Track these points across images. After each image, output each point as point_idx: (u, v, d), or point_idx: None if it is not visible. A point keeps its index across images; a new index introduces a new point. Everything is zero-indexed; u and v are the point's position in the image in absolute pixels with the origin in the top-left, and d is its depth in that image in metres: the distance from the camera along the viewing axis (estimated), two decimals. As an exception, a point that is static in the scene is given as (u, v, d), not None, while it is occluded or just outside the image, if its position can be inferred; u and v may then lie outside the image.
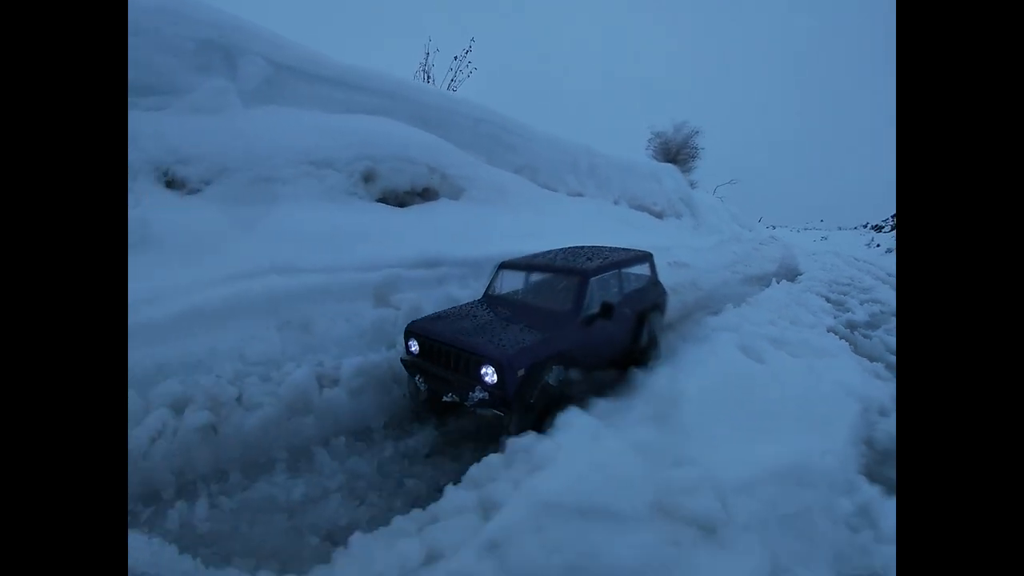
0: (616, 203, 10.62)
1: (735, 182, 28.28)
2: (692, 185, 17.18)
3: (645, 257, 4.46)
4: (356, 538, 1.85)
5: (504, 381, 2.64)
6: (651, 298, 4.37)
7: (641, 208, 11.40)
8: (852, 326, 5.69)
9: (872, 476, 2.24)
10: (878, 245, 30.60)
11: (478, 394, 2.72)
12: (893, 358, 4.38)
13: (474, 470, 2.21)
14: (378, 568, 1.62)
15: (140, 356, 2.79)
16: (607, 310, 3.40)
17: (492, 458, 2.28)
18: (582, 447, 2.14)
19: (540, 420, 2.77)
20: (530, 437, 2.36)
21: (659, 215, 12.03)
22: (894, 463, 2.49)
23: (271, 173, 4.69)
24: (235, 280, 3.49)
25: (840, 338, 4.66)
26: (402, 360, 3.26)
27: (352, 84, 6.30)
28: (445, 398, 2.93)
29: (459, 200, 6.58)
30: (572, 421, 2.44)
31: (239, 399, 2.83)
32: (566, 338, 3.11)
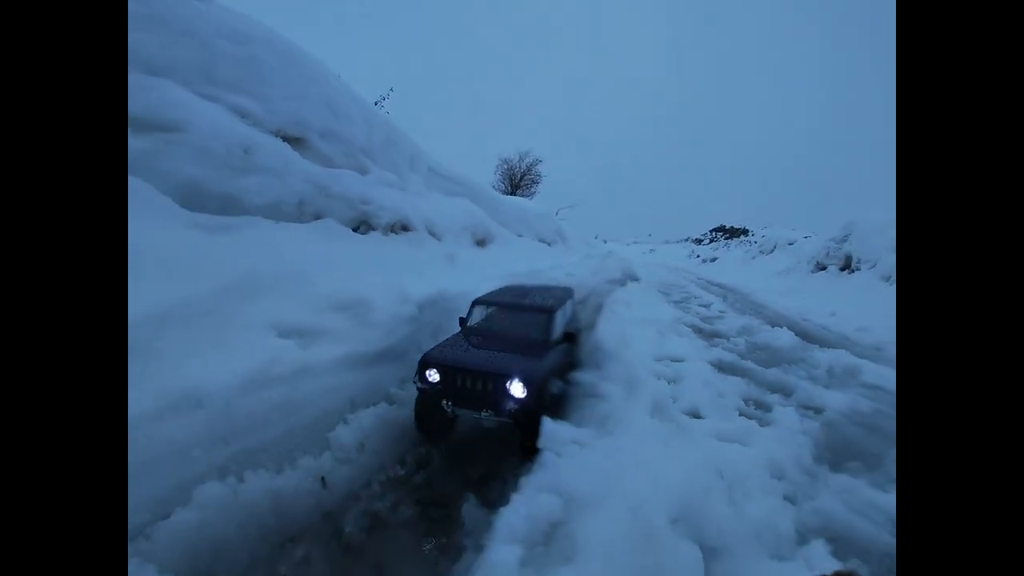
0: (533, 239, 18.18)
1: (576, 206, 31.28)
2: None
3: (570, 293, 5.69)
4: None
5: (530, 393, 3.36)
6: (575, 324, 5.47)
7: (542, 240, 19.27)
8: (672, 302, 14.50)
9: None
10: (698, 256, 36.61)
11: (511, 405, 3.39)
12: (693, 310, 13.02)
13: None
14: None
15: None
16: (570, 336, 4.40)
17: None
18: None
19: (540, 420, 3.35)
20: None
21: (549, 244, 20.16)
22: (684, 318, 10.52)
23: (458, 232, 10.29)
24: (495, 278, 9.32)
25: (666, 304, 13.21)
26: (419, 388, 3.68)
27: (452, 179, 11.93)
28: (478, 415, 3.51)
29: (493, 243, 12.87)
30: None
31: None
32: (549, 358, 3.98)
